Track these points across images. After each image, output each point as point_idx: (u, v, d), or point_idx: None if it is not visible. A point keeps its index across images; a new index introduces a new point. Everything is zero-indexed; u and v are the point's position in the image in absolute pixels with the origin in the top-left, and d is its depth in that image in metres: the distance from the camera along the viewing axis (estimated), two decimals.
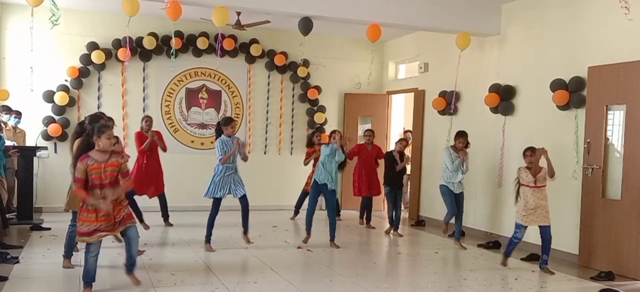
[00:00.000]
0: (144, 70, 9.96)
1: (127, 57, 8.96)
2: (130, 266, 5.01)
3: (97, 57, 9.41)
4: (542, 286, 5.87)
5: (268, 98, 10.81)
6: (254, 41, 10.41)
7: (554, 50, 7.36)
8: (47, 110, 9.35)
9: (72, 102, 9.46)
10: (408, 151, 10.08)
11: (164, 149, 8.39)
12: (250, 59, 10.57)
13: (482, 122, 8.52)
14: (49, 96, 9.27)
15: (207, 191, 6.84)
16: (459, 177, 7.49)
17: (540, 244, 6.47)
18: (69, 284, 5.16)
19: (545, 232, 6.36)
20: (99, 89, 9.72)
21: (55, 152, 9.39)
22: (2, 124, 7.97)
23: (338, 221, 8.44)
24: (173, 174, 8.54)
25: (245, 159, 6.97)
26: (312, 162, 9.04)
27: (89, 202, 4.64)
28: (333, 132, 7.50)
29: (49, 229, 7.76)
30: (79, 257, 5.97)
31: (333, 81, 11.17)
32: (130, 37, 8.85)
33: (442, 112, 9.41)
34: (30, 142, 8.93)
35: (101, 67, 9.61)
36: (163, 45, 9.86)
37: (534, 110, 7.66)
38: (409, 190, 10.62)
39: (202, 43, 9.99)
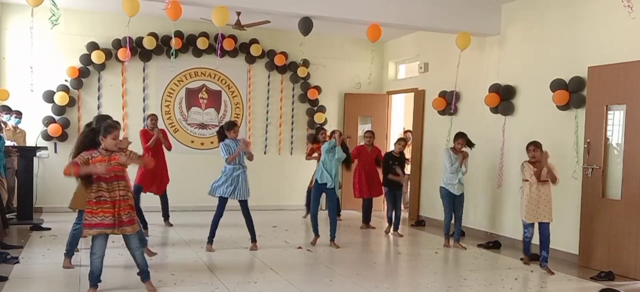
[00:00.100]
0: (144, 71, 9.97)
1: (127, 57, 8.96)
2: (144, 275, 4.96)
3: (97, 57, 9.41)
4: (542, 286, 5.87)
5: (268, 98, 10.81)
6: (254, 41, 10.41)
7: (554, 50, 7.36)
8: (47, 110, 9.35)
9: (72, 102, 9.46)
10: (408, 151, 10.10)
11: (169, 148, 8.37)
12: (250, 59, 10.57)
13: (482, 122, 8.52)
14: (49, 96, 9.27)
15: (212, 189, 6.78)
16: (457, 179, 7.51)
17: (539, 242, 6.48)
18: (69, 284, 5.16)
19: (544, 229, 6.38)
20: (99, 89, 9.73)
21: (56, 152, 9.38)
22: (2, 124, 7.96)
23: (338, 221, 8.44)
24: (173, 174, 8.54)
25: (250, 158, 6.95)
26: (315, 160, 9.04)
27: (97, 170, 4.58)
28: (333, 132, 7.61)
29: (49, 229, 7.77)
30: (79, 257, 6.00)
31: (333, 81, 11.17)
32: (130, 37, 8.85)
33: (442, 112, 9.41)
34: (30, 142, 8.93)
35: (101, 67, 9.62)
36: (163, 46, 9.86)
37: (534, 111, 7.67)
38: (409, 190, 10.63)
39: (202, 43, 9.99)
